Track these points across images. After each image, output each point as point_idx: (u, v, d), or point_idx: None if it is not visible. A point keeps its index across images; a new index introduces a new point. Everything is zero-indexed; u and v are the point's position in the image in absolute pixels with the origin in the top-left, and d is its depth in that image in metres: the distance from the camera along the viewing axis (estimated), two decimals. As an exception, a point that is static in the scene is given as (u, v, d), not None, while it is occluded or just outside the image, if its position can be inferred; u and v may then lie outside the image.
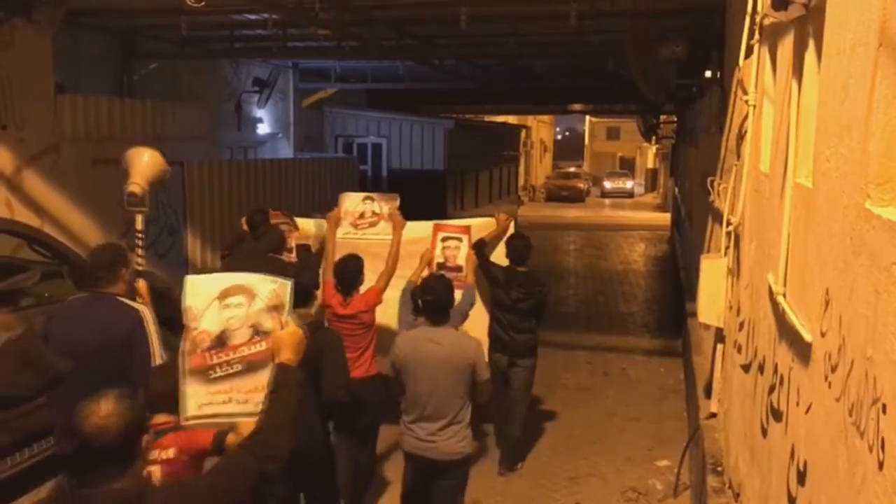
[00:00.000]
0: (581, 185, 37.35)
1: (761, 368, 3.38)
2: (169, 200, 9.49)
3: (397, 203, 6.11)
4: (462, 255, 5.94)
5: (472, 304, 5.40)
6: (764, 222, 3.59)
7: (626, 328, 11.22)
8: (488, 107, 24.02)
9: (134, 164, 5.19)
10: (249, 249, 6.15)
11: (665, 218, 24.67)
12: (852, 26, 2.04)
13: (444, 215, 14.83)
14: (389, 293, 5.36)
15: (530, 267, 6.19)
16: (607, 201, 37.68)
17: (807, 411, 2.38)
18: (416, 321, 4.46)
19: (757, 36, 4.06)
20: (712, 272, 4.95)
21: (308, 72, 15.84)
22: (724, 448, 4.64)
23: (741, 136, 4.54)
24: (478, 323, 5.75)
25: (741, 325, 4.22)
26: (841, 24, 2.19)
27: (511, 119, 33.41)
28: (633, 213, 31.42)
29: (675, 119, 19.76)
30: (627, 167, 50.36)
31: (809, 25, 2.80)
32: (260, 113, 14.52)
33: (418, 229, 6.01)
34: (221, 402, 2.85)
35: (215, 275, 3.27)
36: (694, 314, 5.88)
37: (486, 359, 4.77)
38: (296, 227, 6.55)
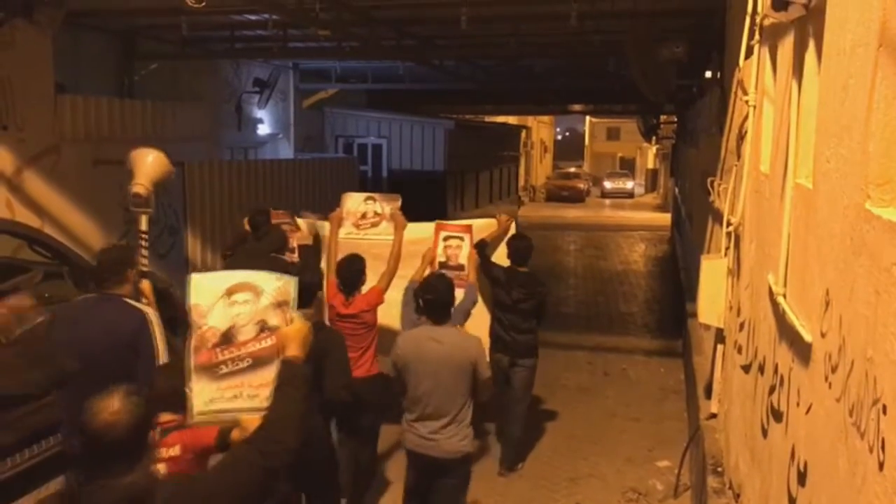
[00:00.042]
0: (581, 186, 37.34)
1: (761, 369, 3.38)
2: (169, 201, 9.49)
3: (399, 203, 6.14)
4: (464, 254, 5.95)
5: (474, 303, 5.43)
6: (764, 223, 3.59)
7: (626, 329, 11.22)
8: (488, 107, 24.02)
9: (138, 165, 5.21)
10: (252, 249, 6.16)
11: (665, 218, 24.66)
12: (852, 27, 2.05)
13: (444, 216, 14.81)
14: (391, 294, 5.37)
15: (530, 267, 6.20)
16: (607, 202, 37.67)
17: (807, 412, 2.38)
18: (420, 320, 4.49)
19: (757, 36, 4.06)
20: (712, 273, 4.95)
21: (308, 72, 15.84)
22: (725, 449, 4.64)
23: (741, 137, 4.54)
24: (479, 323, 5.75)
25: (741, 326, 4.22)
26: (841, 24, 2.19)
27: (511, 119, 33.40)
28: (633, 213, 31.42)
29: (676, 119, 19.77)
30: (628, 167, 50.36)
31: (809, 26, 2.80)
32: (260, 113, 14.51)
33: (420, 230, 6.03)
34: (230, 397, 2.88)
35: (221, 272, 3.33)
36: (694, 315, 5.88)
37: (487, 358, 4.79)
38: (297, 228, 6.57)
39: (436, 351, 4.25)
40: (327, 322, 5.08)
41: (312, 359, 2.71)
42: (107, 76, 10.51)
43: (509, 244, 6.13)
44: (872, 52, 1.82)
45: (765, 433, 3.18)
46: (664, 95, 10.90)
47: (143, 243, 5.18)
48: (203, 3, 6.49)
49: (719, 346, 5.18)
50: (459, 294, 5.08)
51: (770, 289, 3.05)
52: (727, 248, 4.82)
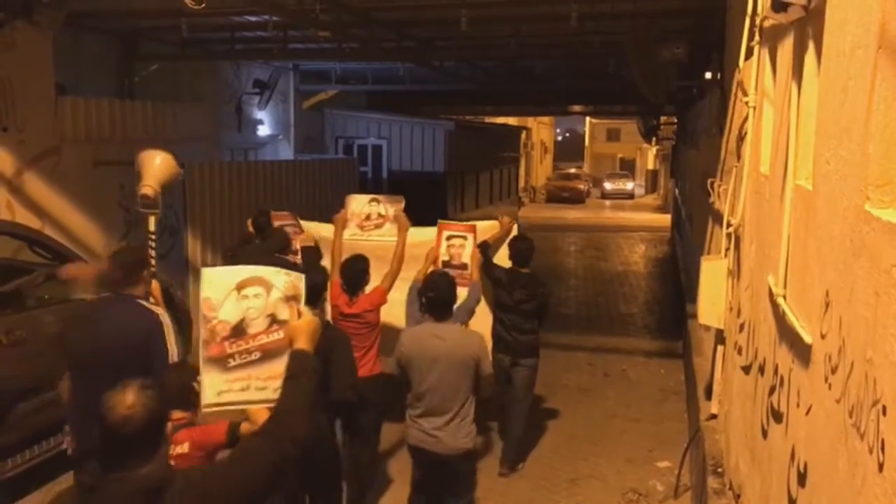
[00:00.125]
0: (581, 187, 37.34)
1: (762, 370, 3.38)
2: (169, 201, 9.48)
3: (402, 205, 6.23)
4: (467, 253, 5.99)
5: (478, 301, 5.49)
6: (764, 224, 3.59)
7: (626, 329, 11.22)
8: (489, 108, 24.01)
9: (146, 167, 5.25)
10: (255, 249, 6.20)
11: (665, 219, 24.67)
12: (852, 28, 2.05)
13: (444, 216, 14.71)
14: (393, 294, 5.44)
15: (531, 268, 6.22)
16: (608, 202, 37.67)
17: (807, 413, 2.38)
18: (424, 317, 4.54)
19: (757, 38, 4.07)
20: (713, 274, 4.95)
21: (308, 73, 15.84)
22: (725, 449, 4.64)
23: (741, 138, 4.54)
24: (481, 322, 5.78)
25: (741, 327, 4.22)
26: (840, 26, 2.19)
27: (511, 120, 33.40)
28: (633, 214, 31.43)
29: (676, 120, 19.76)
30: (628, 168, 50.37)
31: (809, 27, 2.81)
32: (260, 114, 14.51)
33: (423, 234, 6.09)
34: (239, 389, 2.94)
35: (231, 267, 3.38)
36: (694, 316, 5.88)
37: (490, 357, 4.83)
38: (301, 230, 6.61)
39: (438, 347, 4.31)
40: (330, 321, 5.11)
41: (319, 357, 2.74)
42: (107, 77, 10.51)
43: (511, 245, 6.15)
44: (872, 53, 1.82)
45: (765, 434, 3.18)
46: (664, 96, 10.90)
47: (152, 244, 5.22)
48: (203, 5, 6.49)
49: (719, 347, 5.18)
50: (462, 293, 5.13)
51: (770, 290, 3.06)
52: (727, 250, 4.82)
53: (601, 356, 9.48)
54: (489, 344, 5.68)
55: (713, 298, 4.92)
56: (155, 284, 4.48)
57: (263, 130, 14.69)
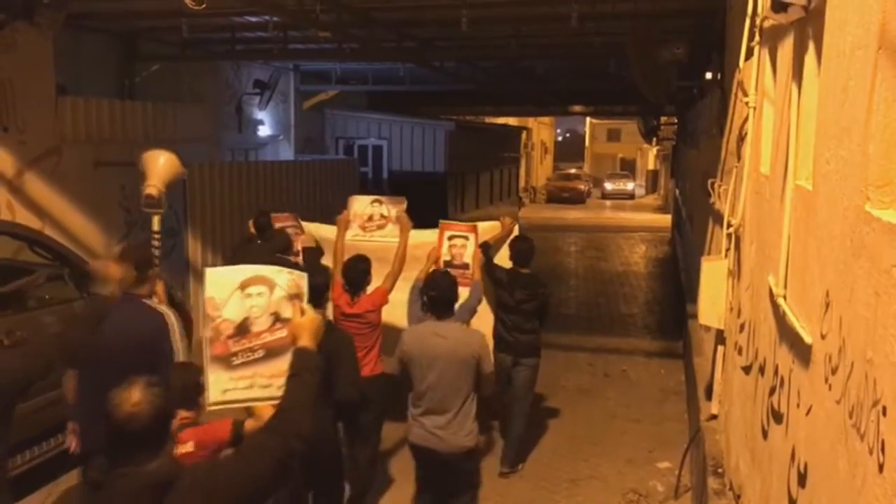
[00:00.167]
0: (582, 187, 37.31)
1: (762, 370, 3.38)
2: (170, 202, 9.48)
3: (404, 206, 6.27)
4: (468, 253, 6.02)
5: (479, 301, 5.52)
6: (764, 224, 3.59)
7: (626, 330, 11.22)
8: (489, 108, 24.01)
9: (150, 167, 5.27)
10: (256, 249, 6.21)
11: (666, 219, 24.66)
12: (852, 29, 2.05)
13: (444, 217, 14.77)
14: (395, 295, 5.48)
15: (532, 269, 6.23)
16: (608, 203, 37.66)
17: (807, 413, 2.38)
18: (425, 316, 4.59)
19: (757, 38, 4.07)
20: (713, 274, 4.95)
21: (309, 74, 15.84)
22: (725, 450, 4.64)
23: (741, 138, 4.54)
24: (483, 322, 5.81)
25: (742, 327, 4.22)
26: (840, 26, 2.19)
27: (512, 121, 33.41)
28: (633, 214, 31.42)
29: (676, 121, 19.77)
30: (628, 169, 50.35)
31: (809, 28, 2.81)
32: (261, 115, 14.51)
33: (424, 235, 6.13)
34: (244, 387, 2.99)
35: (234, 267, 3.42)
36: (694, 316, 5.88)
37: (491, 356, 4.85)
38: (302, 231, 6.63)
39: (440, 346, 4.34)
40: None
41: (322, 356, 2.76)
42: (107, 78, 10.51)
43: (511, 246, 6.17)
44: (872, 54, 1.82)
45: (765, 434, 3.18)
46: (664, 97, 10.91)
47: (156, 243, 5.23)
48: (203, 5, 6.49)
49: (720, 348, 5.18)
50: (464, 293, 5.16)
51: (770, 290, 3.06)
52: (727, 250, 4.82)
53: (601, 356, 9.48)
54: (490, 343, 5.70)
55: (713, 299, 4.92)
56: (160, 284, 4.50)
57: (264, 131, 14.70)
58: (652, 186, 42.87)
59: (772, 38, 3.70)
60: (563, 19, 7.68)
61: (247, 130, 14.13)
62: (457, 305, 4.69)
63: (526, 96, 19.24)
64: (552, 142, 49.86)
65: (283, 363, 2.77)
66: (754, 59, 4.19)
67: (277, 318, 2.98)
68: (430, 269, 5.49)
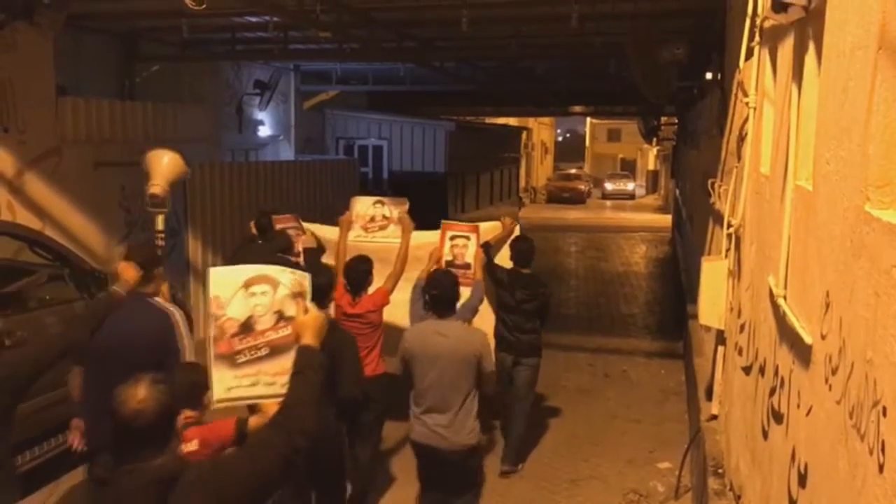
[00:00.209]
0: (582, 187, 37.31)
1: (762, 370, 3.38)
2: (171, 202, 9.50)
3: (406, 207, 6.31)
4: (470, 253, 6.06)
5: (481, 300, 5.55)
6: (764, 224, 3.59)
7: (627, 330, 11.22)
8: (489, 109, 24.03)
9: (154, 166, 5.30)
10: (258, 249, 6.23)
11: (666, 220, 24.65)
12: (852, 29, 2.05)
13: (445, 217, 14.80)
14: (396, 295, 5.50)
15: (532, 269, 6.24)
16: (608, 203, 37.66)
17: (807, 414, 2.38)
18: (427, 315, 4.63)
19: (757, 38, 4.07)
20: (713, 274, 4.95)
21: (309, 74, 15.84)
22: (725, 450, 4.64)
23: (742, 138, 4.54)
24: (485, 322, 5.83)
25: (742, 328, 4.22)
26: (840, 26, 2.19)
27: (512, 121, 33.41)
28: (634, 214, 31.42)
29: (676, 121, 19.76)
30: (628, 169, 50.34)
31: (809, 28, 2.81)
32: (261, 115, 14.52)
33: (426, 236, 6.17)
34: (248, 384, 3.03)
35: (238, 266, 3.47)
36: (695, 316, 5.88)
37: (493, 355, 4.87)
38: (303, 231, 6.65)
39: (441, 344, 4.36)
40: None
41: (326, 355, 2.78)
42: (108, 78, 10.51)
43: (512, 246, 6.20)
44: (872, 54, 1.82)
45: (765, 435, 3.18)
46: (665, 97, 10.91)
47: (160, 242, 5.25)
48: (204, 6, 6.49)
49: (720, 348, 5.18)
50: (466, 293, 5.19)
51: (770, 290, 3.06)
52: (728, 250, 4.82)
53: (601, 357, 9.48)
54: (492, 343, 5.71)
55: (714, 299, 4.92)
56: (164, 283, 4.51)
57: (264, 131, 14.70)
58: (652, 187, 42.86)
59: (772, 39, 3.70)
60: (564, 19, 7.69)
61: (247, 131, 14.13)
62: (458, 305, 4.71)
63: (526, 96, 19.24)
64: (552, 142, 49.86)
65: (286, 361, 2.80)
66: (754, 59, 4.18)
67: (281, 317, 3.01)
68: (432, 269, 5.50)
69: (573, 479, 6.09)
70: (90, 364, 3.96)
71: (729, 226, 4.65)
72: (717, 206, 5.77)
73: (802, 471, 2.42)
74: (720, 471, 4.53)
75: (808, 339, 2.37)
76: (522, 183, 34.51)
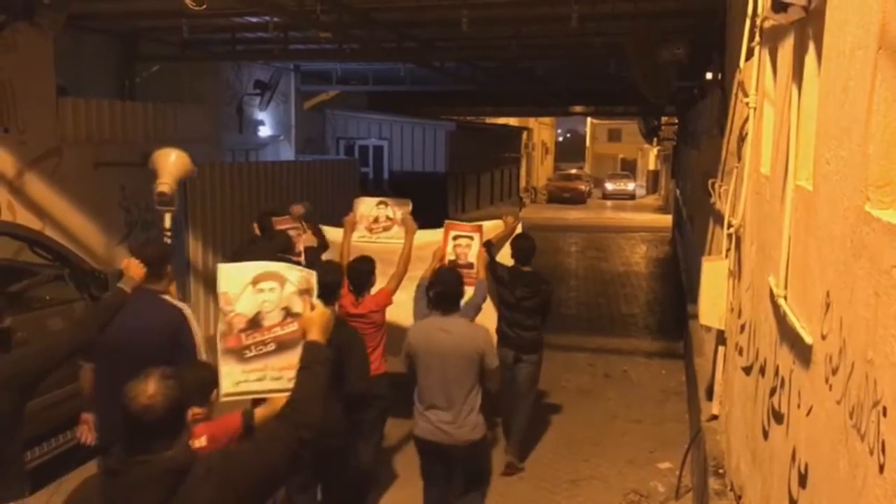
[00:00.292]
0: (582, 187, 37.31)
1: (762, 371, 3.38)
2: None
3: (409, 208, 6.37)
4: (473, 252, 6.09)
5: (484, 299, 5.57)
6: (765, 224, 3.59)
7: (627, 330, 11.21)
8: (489, 109, 24.05)
9: (162, 165, 5.31)
10: (260, 249, 6.24)
11: (666, 220, 24.65)
12: (852, 29, 2.05)
13: (445, 217, 14.81)
14: (400, 295, 5.53)
15: (533, 268, 6.25)
16: (609, 203, 37.65)
17: (808, 414, 2.38)
18: (431, 313, 4.67)
19: (757, 38, 4.07)
20: (713, 274, 4.95)
21: (309, 74, 15.85)
22: (726, 450, 4.64)
23: (742, 139, 4.54)
24: (488, 320, 5.85)
25: (742, 328, 4.22)
26: (840, 26, 2.19)
27: (512, 121, 33.42)
28: (634, 214, 31.41)
29: (677, 121, 19.78)
30: (629, 169, 50.34)
31: (809, 28, 2.80)
32: (261, 115, 14.53)
33: (429, 236, 6.20)
34: (256, 379, 3.11)
35: (246, 263, 3.54)
36: (695, 316, 5.88)
37: (496, 352, 4.88)
38: (304, 231, 6.68)
39: (445, 341, 4.38)
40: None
41: (333, 351, 2.81)
42: (108, 78, 10.52)
43: (513, 244, 6.24)
44: (872, 54, 1.82)
45: (766, 435, 3.18)
46: (665, 97, 10.90)
47: (167, 240, 5.26)
48: (204, 6, 6.49)
49: (720, 348, 5.18)
50: (469, 292, 5.23)
51: (771, 290, 3.06)
52: (728, 250, 4.82)
53: (602, 357, 9.48)
54: (494, 340, 5.73)
55: (714, 299, 4.92)
56: (173, 282, 4.52)
57: (264, 131, 14.71)
58: (652, 187, 42.85)
59: (772, 39, 3.70)
60: (564, 20, 7.69)
61: (247, 131, 14.14)
62: (462, 303, 4.72)
63: (526, 97, 19.26)
64: (553, 142, 49.87)
65: (293, 356, 2.84)
66: (754, 59, 4.18)
67: (288, 313, 3.08)
68: (436, 267, 5.53)
69: (573, 480, 6.09)
70: (100, 360, 3.98)
71: (729, 226, 4.64)
72: (718, 206, 5.77)
73: (803, 471, 2.42)
74: (721, 471, 4.53)
75: (808, 339, 2.37)
76: (523, 183, 34.53)
